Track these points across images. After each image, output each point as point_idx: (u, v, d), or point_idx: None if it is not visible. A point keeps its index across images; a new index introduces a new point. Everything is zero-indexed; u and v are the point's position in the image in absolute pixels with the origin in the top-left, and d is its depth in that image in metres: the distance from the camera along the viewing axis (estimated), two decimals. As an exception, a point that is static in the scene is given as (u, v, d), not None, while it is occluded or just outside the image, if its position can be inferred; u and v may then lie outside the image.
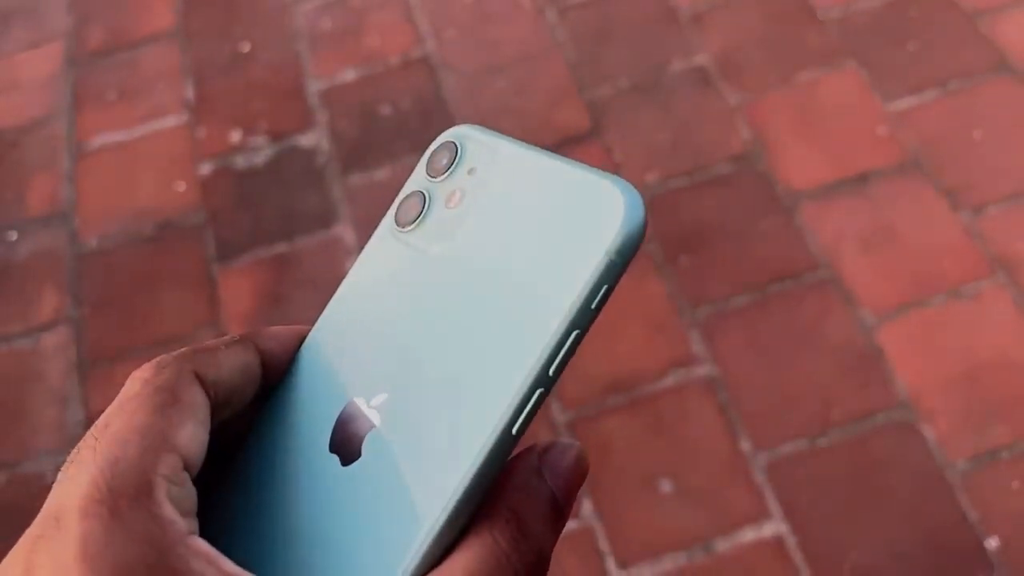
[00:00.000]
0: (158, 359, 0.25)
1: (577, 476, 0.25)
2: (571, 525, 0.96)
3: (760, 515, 0.94)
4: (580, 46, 1.31)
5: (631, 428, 1.00)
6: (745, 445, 0.98)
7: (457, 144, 0.27)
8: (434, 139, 0.28)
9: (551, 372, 0.23)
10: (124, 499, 0.22)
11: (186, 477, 0.23)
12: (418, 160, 0.28)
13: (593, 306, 0.23)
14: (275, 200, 1.23)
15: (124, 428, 0.23)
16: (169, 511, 0.22)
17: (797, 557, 0.92)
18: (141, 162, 1.29)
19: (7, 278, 1.21)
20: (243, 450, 0.27)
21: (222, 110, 1.32)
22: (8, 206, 1.28)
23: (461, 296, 0.25)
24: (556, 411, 1.01)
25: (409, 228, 0.27)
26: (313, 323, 0.28)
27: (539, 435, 0.97)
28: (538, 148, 0.26)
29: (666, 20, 1.31)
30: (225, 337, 0.26)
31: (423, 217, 0.27)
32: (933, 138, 1.16)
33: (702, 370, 1.03)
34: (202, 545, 0.22)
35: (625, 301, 1.08)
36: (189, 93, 1.35)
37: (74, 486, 0.22)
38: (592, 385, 1.02)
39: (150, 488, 0.22)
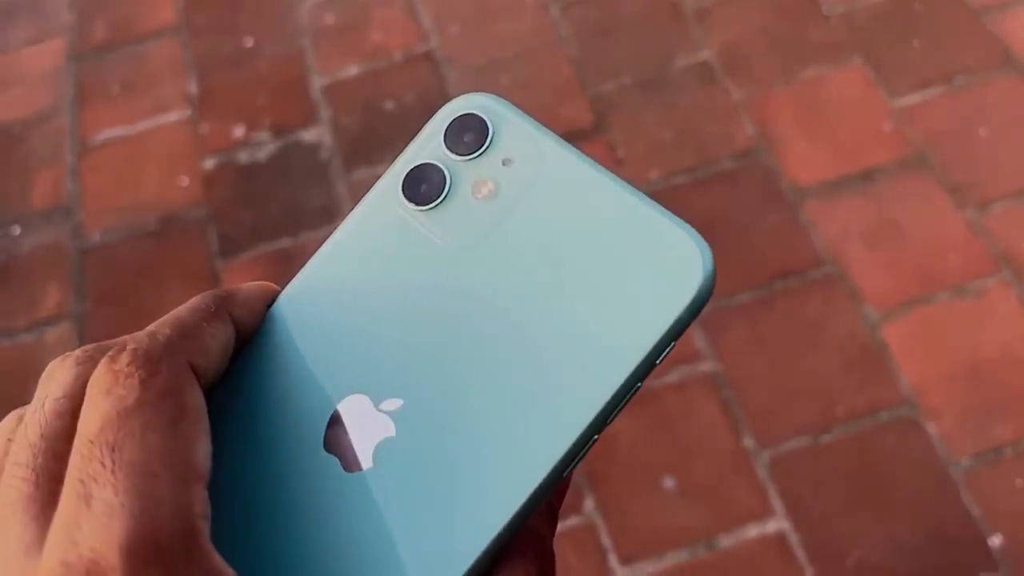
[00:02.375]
0: (145, 348, 0.21)
1: (567, 482, 0.24)
2: (573, 521, 0.96)
3: (763, 512, 0.94)
4: (584, 42, 1.30)
5: (634, 425, 1.00)
6: (748, 442, 0.98)
7: (487, 121, 0.24)
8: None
9: (609, 419, 0.22)
10: (173, 557, 0.19)
11: (210, 504, 0.21)
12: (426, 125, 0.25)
13: (658, 360, 0.22)
14: (278, 195, 1.23)
15: (142, 454, 0.20)
16: (219, 564, 0.20)
17: (800, 554, 0.92)
18: (144, 157, 1.29)
19: (10, 273, 1.21)
20: (217, 431, 0.23)
21: (225, 105, 1.32)
22: (11, 200, 1.28)
23: (502, 313, 0.23)
24: (559, 407, 1.01)
25: (423, 207, 0.24)
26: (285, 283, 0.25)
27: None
28: (581, 152, 0.24)
29: (670, 15, 1.31)
30: (199, 306, 0.23)
31: (443, 199, 0.24)
32: (938, 134, 1.15)
33: (705, 366, 1.02)
34: None
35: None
36: (192, 88, 1.34)
37: (106, 537, 0.19)
38: (595, 381, 1.02)
39: (195, 536, 0.19)
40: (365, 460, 0.23)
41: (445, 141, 0.24)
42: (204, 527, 0.20)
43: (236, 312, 0.24)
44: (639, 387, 0.22)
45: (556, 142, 0.24)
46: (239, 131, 1.29)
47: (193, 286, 1.16)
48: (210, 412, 0.23)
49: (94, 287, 1.18)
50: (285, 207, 1.21)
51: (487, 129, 0.24)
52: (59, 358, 0.23)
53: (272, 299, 0.25)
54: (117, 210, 1.24)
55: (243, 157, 1.27)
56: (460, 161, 0.24)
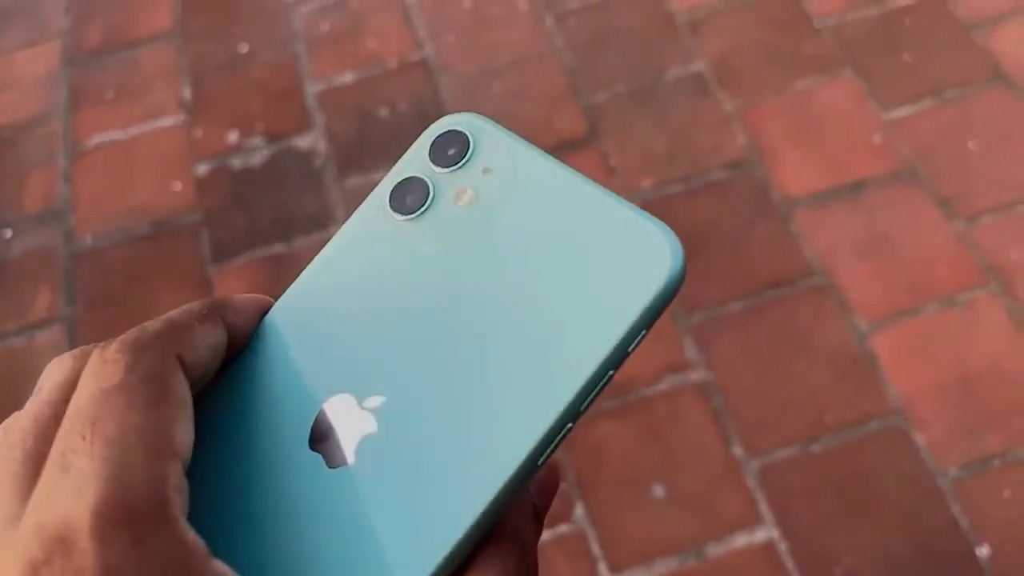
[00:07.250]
0: (134, 337, 0.22)
1: (554, 486, 0.25)
2: (564, 529, 0.96)
3: (752, 521, 0.94)
4: (578, 52, 1.31)
5: (624, 433, 1.00)
6: (738, 451, 0.98)
7: (469, 136, 0.26)
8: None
9: (582, 408, 0.23)
10: (143, 521, 0.20)
11: (187, 484, 0.21)
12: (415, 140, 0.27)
13: (630, 349, 0.23)
14: (271, 201, 1.23)
15: (120, 428, 0.21)
16: (189, 533, 0.20)
17: (788, 563, 0.92)
18: (138, 161, 1.29)
19: (1, 276, 1.21)
20: (209, 432, 0.24)
21: (219, 110, 1.33)
22: (4, 204, 1.28)
23: (480, 310, 0.24)
24: (550, 415, 1.01)
25: (408, 217, 0.25)
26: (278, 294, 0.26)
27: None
28: (559, 161, 0.25)
29: (663, 27, 1.31)
30: (193, 307, 0.24)
31: (426, 208, 0.25)
32: (928, 147, 1.16)
33: (696, 376, 1.03)
34: (222, 568, 0.20)
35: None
36: (186, 93, 1.35)
37: (78, 500, 0.20)
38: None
39: (166, 505, 0.20)
40: (348, 456, 0.23)
41: (430, 156, 0.26)
42: (176, 499, 0.20)
43: (229, 317, 0.25)
44: (612, 376, 0.23)
45: (534, 151, 0.25)
46: (233, 137, 1.29)
47: (185, 290, 1.16)
48: (203, 413, 0.24)
49: (85, 291, 1.18)
50: (278, 213, 1.22)
51: (469, 143, 0.26)
52: (57, 357, 0.23)
53: (266, 310, 0.26)
54: (109, 214, 1.24)
55: (236, 163, 1.27)
56: (443, 173, 0.25)
